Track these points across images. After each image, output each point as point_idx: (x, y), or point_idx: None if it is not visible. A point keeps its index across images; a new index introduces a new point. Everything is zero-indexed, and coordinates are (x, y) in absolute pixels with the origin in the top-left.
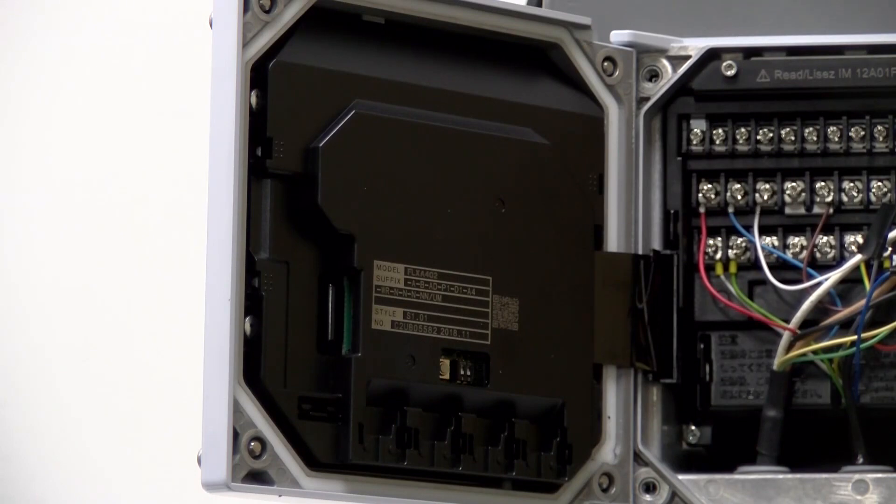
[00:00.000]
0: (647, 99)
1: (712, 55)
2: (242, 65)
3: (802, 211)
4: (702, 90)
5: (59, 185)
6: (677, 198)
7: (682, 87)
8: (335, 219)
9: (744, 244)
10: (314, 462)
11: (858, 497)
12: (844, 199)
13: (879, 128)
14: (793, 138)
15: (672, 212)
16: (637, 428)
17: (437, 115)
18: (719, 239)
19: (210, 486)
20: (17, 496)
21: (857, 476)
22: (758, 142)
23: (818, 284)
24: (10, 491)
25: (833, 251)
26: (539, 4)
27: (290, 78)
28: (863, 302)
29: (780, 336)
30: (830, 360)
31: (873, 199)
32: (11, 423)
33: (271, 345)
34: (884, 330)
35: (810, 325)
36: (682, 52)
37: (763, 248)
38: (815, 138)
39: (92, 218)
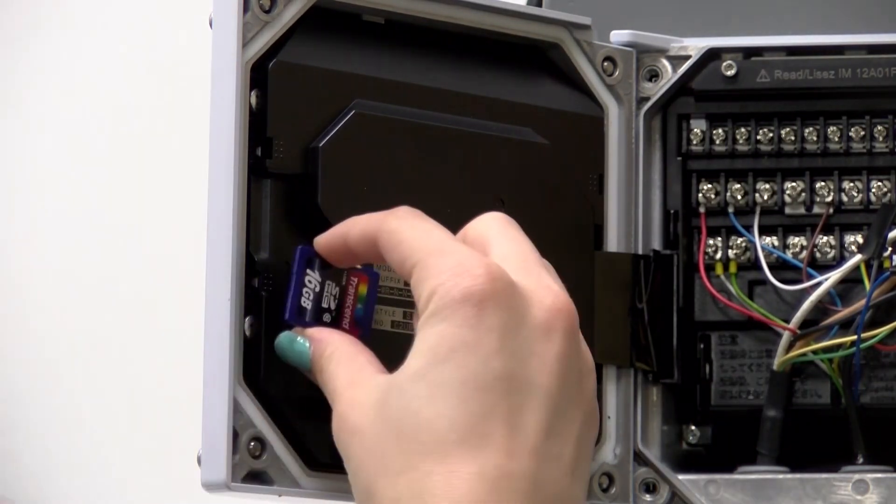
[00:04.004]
0: (647, 99)
1: (712, 55)
2: (242, 65)
3: (802, 211)
4: (702, 90)
5: (59, 185)
6: (677, 198)
7: (682, 87)
8: (335, 219)
9: (744, 244)
10: (314, 462)
11: (858, 497)
12: (844, 199)
13: (879, 128)
14: (793, 138)
15: (672, 212)
16: (637, 428)
17: (437, 115)
18: (719, 239)
19: (210, 486)
20: (17, 496)
21: (857, 476)
22: (758, 142)
23: (818, 284)
24: (10, 490)
25: (833, 251)
26: (539, 4)
27: (290, 78)
28: (863, 302)
29: (780, 336)
30: (830, 360)
31: (873, 199)
32: (11, 423)
33: (271, 345)
34: (884, 330)
35: (810, 325)
36: (682, 52)
37: (763, 248)
38: (815, 138)
39: (92, 218)
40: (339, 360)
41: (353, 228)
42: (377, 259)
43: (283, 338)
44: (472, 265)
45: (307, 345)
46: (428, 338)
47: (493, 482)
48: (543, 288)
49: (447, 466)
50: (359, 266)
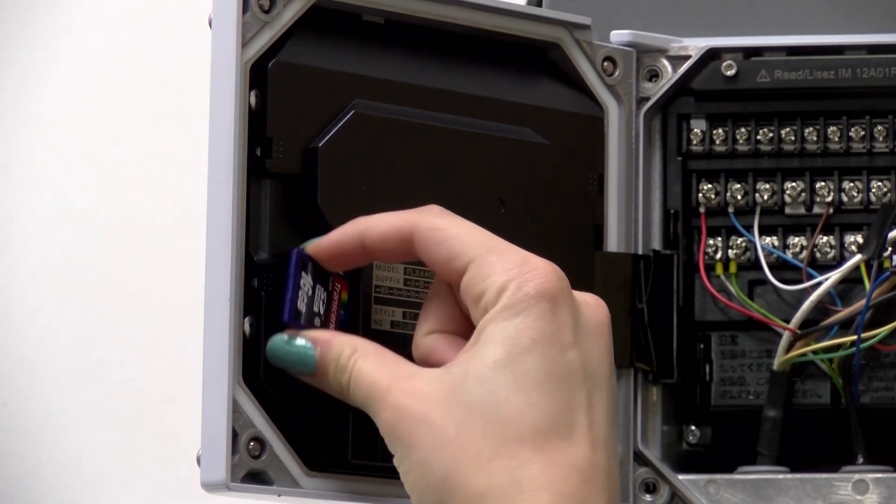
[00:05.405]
0: (647, 99)
1: (712, 55)
2: (241, 65)
3: (802, 211)
4: (702, 90)
5: (58, 185)
6: (677, 198)
7: (682, 87)
8: (334, 219)
9: (744, 244)
10: (313, 462)
11: (858, 497)
12: (844, 199)
13: (879, 128)
14: (793, 138)
15: (672, 212)
16: (637, 428)
17: (436, 115)
18: (719, 239)
19: (209, 486)
20: (17, 496)
21: (857, 476)
22: (758, 142)
23: (818, 284)
24: (10, 490)
25: (833, 251)
26: (539, 4)
27: (290, 78)
28: (863, 302)
29: (780, 336)
30: (830, 360)
31: (873, 199)
32: (11, 423)
33: None
34: (884, 330)
35: (810, 325)
36: (682, 52)
37: (763, 248)
38: (815, 138)
39: (91, 218)
40: (368, 355)
41: (373, 228)
42: (400, 257)
43: (279, 340)
44: (538, 263)
45: (310, 346)
46: (505, 329)
47: (583, 473)
48: (575, 291)
49: (544, 455)
50: (341, 272)
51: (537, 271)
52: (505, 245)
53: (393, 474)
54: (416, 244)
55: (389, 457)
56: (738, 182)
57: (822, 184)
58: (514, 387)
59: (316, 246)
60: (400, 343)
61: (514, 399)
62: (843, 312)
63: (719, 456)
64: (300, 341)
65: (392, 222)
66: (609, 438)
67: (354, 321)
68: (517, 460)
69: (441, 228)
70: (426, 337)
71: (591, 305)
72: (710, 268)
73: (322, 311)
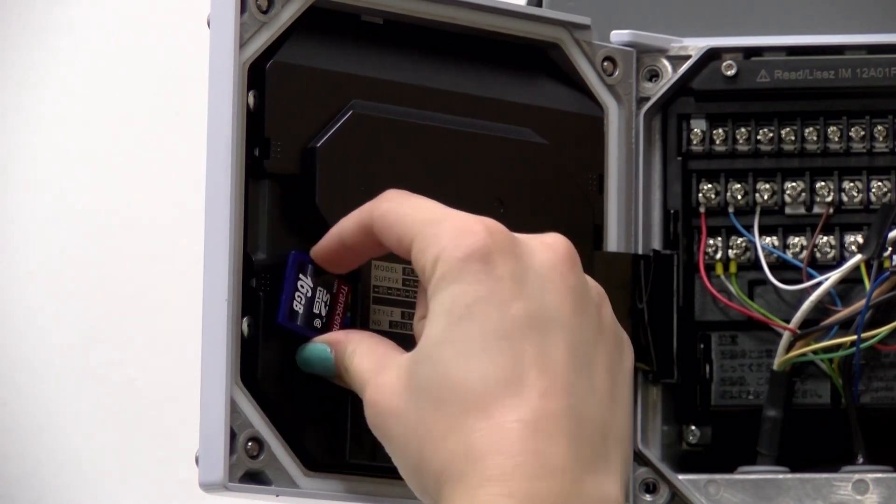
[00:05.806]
0: (647, 99)
1: (712, 55)
2: (239, 65)
3: (802, 211)
4: (702, 90)
5: (58, 185)
6: (677, 198)
7: (682, 87)
8: (333, 219)
9: (744, 244)
10: (312, 462)
11: (858, 497)
12: (844, 199)
13: (879, 128)
14: (793, 138)
15: (672, 212)
16: (637, 428)
17: (435, 116)
18: (719, 239)
19: (207, 487)
20: (17, 496)
21: (857, 476)
22: (758, 142)
23: (818, 284)
24: (10, 490)
25: (833, 251)
26: (539, 4)
27: (288, 78)
28: (863, 302)
29: (780, 336)
30: (830, 360)
31: (873, 199)
32: (11, 423)
33: (268, 345)
34: (884, 330)
35: (810, 325)
36: (682, 52)
37: (763, 248)
38: (815, 138)
39: (90, 218)
40: (362, 353)
41: (345, 226)
42: (377, 249)
43: (300, 349)
44: (470, 224)
45: (326, 349)
46: (442, 301)
47: (534, 425)
48: (536, 235)
49: (489, 420)
50: (343, 273)
51: (467, 233)
52: (446, 214)
53: (391, 474)
54: (376, 233)
55: (387, 456)
56: (738, 182)
57: (822, 184)
58: (455, 358)
59: (313, 250)
60: (398, 343)
61: (456, 370)
62: (843, 312)
63: (719, 456)
64: (316, 346)
65: (355, 217)
66: (575, 380)
67: (353, 321)
68: (465, 431)
69: (390, 212)
70: (420, 322)
71: (548, 245)
72: (710, 268)
73: (324, 313)
